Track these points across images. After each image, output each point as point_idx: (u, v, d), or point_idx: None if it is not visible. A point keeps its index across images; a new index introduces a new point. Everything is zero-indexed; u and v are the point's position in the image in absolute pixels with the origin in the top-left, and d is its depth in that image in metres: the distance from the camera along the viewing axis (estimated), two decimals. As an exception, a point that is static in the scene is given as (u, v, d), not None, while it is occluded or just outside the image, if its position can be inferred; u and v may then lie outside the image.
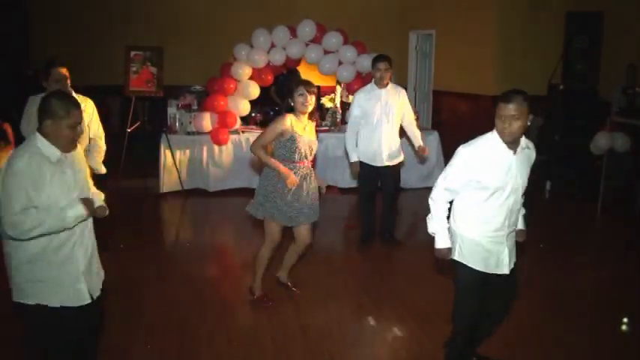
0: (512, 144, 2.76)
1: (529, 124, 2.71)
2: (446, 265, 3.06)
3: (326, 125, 7.65)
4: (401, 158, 5.24)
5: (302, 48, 7.16)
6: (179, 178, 7.06)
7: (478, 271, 2.90)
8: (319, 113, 7.67)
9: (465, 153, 2.81)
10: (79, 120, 2.54)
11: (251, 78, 7.14)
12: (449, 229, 2.96)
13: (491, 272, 2.92)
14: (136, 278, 4.62)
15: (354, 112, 5.11)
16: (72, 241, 2.57)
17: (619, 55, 7.75)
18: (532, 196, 7.09)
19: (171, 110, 7.32)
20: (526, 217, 3.13)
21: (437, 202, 2.94)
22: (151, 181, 7.19)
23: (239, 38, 7.38)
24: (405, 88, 10.52)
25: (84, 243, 2.64)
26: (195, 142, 7.12)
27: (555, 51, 8.16)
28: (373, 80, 5.09)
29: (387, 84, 5.06)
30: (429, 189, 3.00)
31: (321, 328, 3.85)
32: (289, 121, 3.82)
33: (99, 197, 2.82)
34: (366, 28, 9.76)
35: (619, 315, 3.96)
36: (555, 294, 4.44)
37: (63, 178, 2.51)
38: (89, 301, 2.65)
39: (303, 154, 3.87)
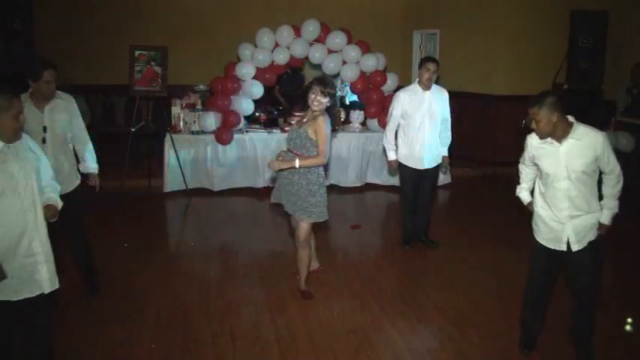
0: (555, 137, 3.09)
1: (554, 120, 3.00)
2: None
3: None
4: (440, 160, 5.22)
5: (306, 47, 7.16)
6: (183, 177, 7.08)
7: (543, 246, 3.29)
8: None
9: (528, 139, 3.30)
10: (21, 110, 2.61)
11: (255, 77, 7.15)
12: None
13: (553, 248, 3.25)
14: (140, 277, 4.64)
15: (396, 112, 5.06)
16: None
17: (624, 54, 7.74)
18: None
19: (176, 110, 7.34)
20: (611, 210, 3.25)
21: (520, 172, 3.52)
22: (155, 180, 7.22)
23: (243, 38, 7.39)
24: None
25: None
26: (199, 142, 7.13)
27: (560, 50, 8.14)
28: (417, 81, 5.04)
29: (431, 86, 5.03)
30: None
31: (324, 326, 3.85)
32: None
33: (54, 195, 2.87)
34: (370, 27, 9.76)
35: (621, 317, 3.95)
36: (558, 293, 4.42)
37: (4, 168, 2.55)
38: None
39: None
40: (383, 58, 7.48)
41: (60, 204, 2.88)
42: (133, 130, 7.14)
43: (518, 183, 3.54)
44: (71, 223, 4.06)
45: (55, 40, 9.39)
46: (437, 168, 5.24)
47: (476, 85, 8.83)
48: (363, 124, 7.71)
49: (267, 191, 7.20)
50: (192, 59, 9.73)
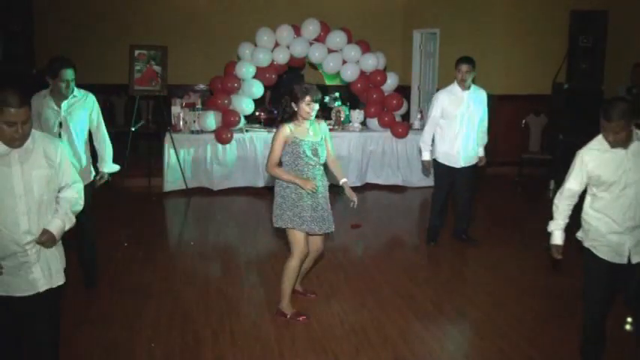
0: (623, 144, 2.95)
1: (632, 127, 2.88)
2: (559, 263, 3.26)
3: (330, 125, 7.65)
4: (476, 159, 5.26)
5: (306, 47, 7.17)
6: (183, 177, 7.08)
7: (602, 259, 3.07)
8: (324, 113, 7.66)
9: (581, 154, 3.10)
10: (16, 119, 2.45)
11: (255, 77, 7.15)
12: (582, 219, 3.17)
13: (614, 262, 3.05)
14: (140, 277, 4.64)
15: (435, 112, 5.10)
16: None
17: (623, 54, 7.73)
18: (536, 196, 7.08)
19: (176, 109, 7.35)
20: None
21: (557, 206, 3.24)
22: (155, 180, 7.22)
23: (243, 37, 7.39)
24: (409, 88, 10.54)
25: None
26: (199, 141, 7.13)
27: (560, 50, 8.14)
28: (455, 81, 5.09)
29: (470, 86, 5.06)
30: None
31: (324, 327, 3.85)
32: (287, 129, 3.78)
33: (59, 221, 2.70)
34: (370, 27, 9.76)
35: (623, 316, 3.95)
36: (560, 294, 4.43)
37: (4, 172, 2.50)
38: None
39: (309, 157, 3.79)
40: (383, 58, 7.48)
41: (62, 229, 2.70)
42: (133, 129, 7.14)
43: (551, 218, 3.26)
44: (80, 216, 4.10)
45: (55, 40, 9.38)
46: (472, 167, 5.26)
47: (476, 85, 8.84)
48: (363, 123, 7.71)
49: (266, 191, 7.21)
50: (192, 59, 9.73)
